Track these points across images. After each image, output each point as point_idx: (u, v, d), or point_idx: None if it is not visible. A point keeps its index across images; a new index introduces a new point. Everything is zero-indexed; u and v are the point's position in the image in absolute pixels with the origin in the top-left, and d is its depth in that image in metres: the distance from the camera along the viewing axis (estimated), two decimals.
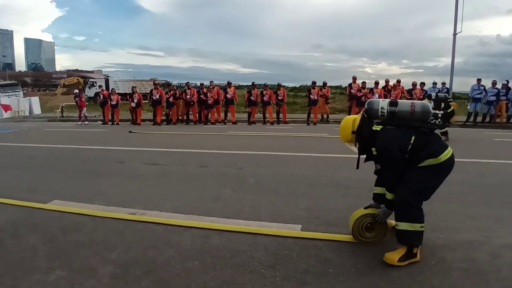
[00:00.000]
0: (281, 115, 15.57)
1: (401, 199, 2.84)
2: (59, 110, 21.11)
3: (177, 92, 15.27)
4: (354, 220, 3.21)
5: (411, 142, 2.84)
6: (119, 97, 16.44)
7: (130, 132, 12.46)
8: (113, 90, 16.39)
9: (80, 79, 55.72)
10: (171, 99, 15.17)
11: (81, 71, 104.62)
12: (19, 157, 7.98)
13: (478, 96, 14.93)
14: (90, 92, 38.02)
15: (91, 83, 38.88)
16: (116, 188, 5.32)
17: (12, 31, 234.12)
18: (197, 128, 13.77)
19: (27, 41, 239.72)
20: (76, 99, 16.85)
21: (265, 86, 15.53)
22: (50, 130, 14.52)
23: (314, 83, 15.33)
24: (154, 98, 15.18)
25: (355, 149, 3.31)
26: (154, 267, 2.88)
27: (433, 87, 15.36)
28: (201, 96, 15.03)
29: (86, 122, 16.80)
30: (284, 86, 15.88)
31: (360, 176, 5.18)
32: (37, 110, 24.59)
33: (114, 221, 3.93)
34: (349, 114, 14.76)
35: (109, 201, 4.59)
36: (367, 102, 3.17)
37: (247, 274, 2.77)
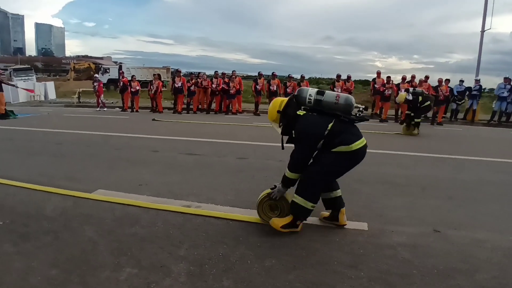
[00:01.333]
0: None
1: (308, 176, 3.14)
2: (76, 95, 20.95)
3: (199, 81, 15.05)
4: (259, 203, 3.47)
5: (328, 128, 3.03)
6: (139, 84, 16.24)
7: (154, 120, 12.27)
8: (134, 77, 16.15)
9: (91, 64, 55.68)
10: (192, 88, 14.97)
11: (91, 57, 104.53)
12: (48, 143, 7.80)
13: (504, 94, 14.52)
14: (103, 79, 37.91)
15: (104, 70, 38.61)
16: (159, 178, 5.13)
17: (23, 16, 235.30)
18: (219, 118, 13.51)
19: (38, 26, 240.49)
20: (95, 84, 16.66)
21: (289, 77, 15.28)
22: (71, 116, 14.34)
23: (338, 76, 15.03)
24: (176, 86, 14.98)
25: (279, 130, 3.43)
26: (231, 265, 2.71)
27: (459, 85, 14.99)
28: (223, 85, 14.82)
29: (105, 109, 16.64)
30: (293, 78, 15.61)
31: (407, 173, 4.96)
32: (52, 95, 24.49)
33: (170, 213, 3.75)
34: (372, 109, 14.77)
35: (156, 192, 4.43)
36: (298, 89, 3.41)
37: (330, 274, 2.63)
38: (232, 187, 4.73)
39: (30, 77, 30.22)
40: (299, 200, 3.15)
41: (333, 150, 3.05)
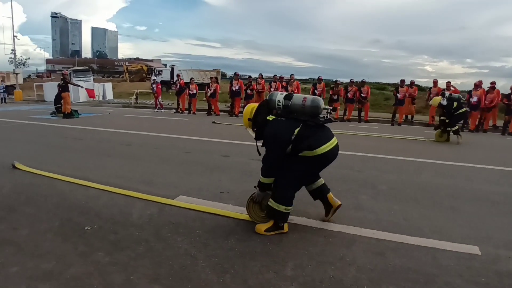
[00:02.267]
0: (362, 113, 14.71)
1: (276, 182, 3.22)
2: (134, 96, 21.48)
3: (253, 85, 14.86)
4: (248, 205, 3.58)
5: (295, 133, 3.05)
6: (197, 86, 16.30)
7: (214, 122, 12.16)
8: (192, 79, 16.27)
9: (144, 66, 57.56)
10: (248, 91, 14.79)
11: (142, 59, 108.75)
12: (117, 144, 7.81)
13: None
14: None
15: (157, 72, 39.65)
16: (239, 185, 4.87)
17: (80, 21, 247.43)
18: None
19: (94, 30, 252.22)
20: (153, 86, 16.91)
21: (350, 82, 14.76)
22: (131, 116, 14.61)
23: (403, 81, 14.27)
24: (234, 89, 14.88)
25: (253, 135, 3.46)
26: None
27: None
28: (281, 89, 14.52)
29: (162, 110, 16.85)
30: (339, 81, 15.08)
31: (504, 190, 4.42)
32: (109, 95, 25.35)
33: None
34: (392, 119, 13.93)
35: (240, 201, 4.15)
36: (269, 94, 3.51)
37: None
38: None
39: (88, 78, 31.54)
40: (273, 204, 3.20)
41: (300, 154, 3.09)
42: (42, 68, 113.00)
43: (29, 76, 74.22)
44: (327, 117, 3.22)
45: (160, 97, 17.18)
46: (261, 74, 15.85)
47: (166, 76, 38.67)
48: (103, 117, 14.34)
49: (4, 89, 25.88)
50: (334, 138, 3.22)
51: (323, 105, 3.17)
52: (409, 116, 15.12)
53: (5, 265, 2.71)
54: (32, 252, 2.92)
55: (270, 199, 3.24)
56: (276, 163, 3.20)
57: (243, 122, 3.62)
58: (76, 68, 49.01)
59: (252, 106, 3.50)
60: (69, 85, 14.11)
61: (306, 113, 3.16)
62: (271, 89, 14.82)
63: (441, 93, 10.65)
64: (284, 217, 3.25)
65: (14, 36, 31.66)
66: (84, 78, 30.53)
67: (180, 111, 16.18)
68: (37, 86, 28.73)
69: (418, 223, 3.70)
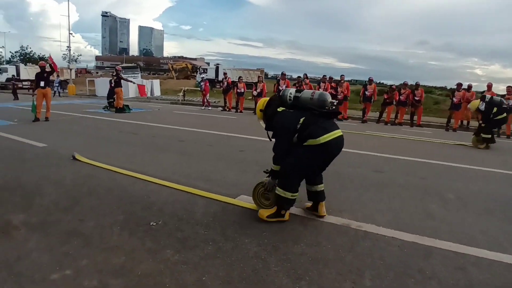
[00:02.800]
0: (414, 117, 14.11)
1: (283, 170, 3.37)
2: (181, 93, 21.83)
3: (303, 84, 14.60)
4: (254, 190, 3.78)
5: (300, 122, 3.25)
6: (245, 85, 16.31)
7: None
8: (240, 78, 16.28)
9: (188, 64, 58.67)
10: None
11: (186, 58, 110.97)
12: (171, 140, 7.89)
13: None
14: (200, 79, 39.63)
15: (202, 70, 40.23)
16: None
17: (129, 20, 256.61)
18: None
19: (141, 28, 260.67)
20: (201, 83, 17.07)
21: (404, 84, 14.22)
22: (180, 113, 14.82)
23: (459, 85, 13.47)
24: (280, 89, 14.68)
25: (263, 126, 3.75)
26: None
27: None
28: (331, 90, 14.21)
29: (209, 108, 16.99)
30: (394, 86, 14.60)
31: None
32: (157, 92, 25.92)
33: (332, 231, 3.38)
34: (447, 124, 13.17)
35: (302, 204, 4.01)
36: (282, 90, 3.74)
37: None
38: (388, 207, 4.18)
39: (136, 75, 32.42)
40: (279, 191, 3.37)
41: (304, 144, 3.24)
42: (92, 64, 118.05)
43: (80, 72, 77.51)
44: (331, 108, 3.42)
45: (208, 95, 17.31)
46: (305, 74, 15.60)
47: (211, 74, 39.18)
48: (153, 113, 14.63)
49: (59, 84, 27.16)
50: (339, 130, 3.34)
51: (329, 99, 3.40)
52: (465, 122, 14.38)
53: (76, 258, 2.71)
54: (100, 246, 2.93)
55: (277, 187, 3.42)
56: (284, 151, 3.39)
57: (257, 114, 3.90)
58: (125, 65, 50.65)
59: (265, 99, 3.78)
60: (121, 80, 14.46)
61: (313, 104, 3.38)
62: (320, 90, 14.56)
63: (481, 96, 9.95)
64: (290, 203, 3.42)
65: (69, 33, 33.19)
66: (133, 75, 31.36)
67: (227, 109, 16.24)
68: (89, 81, 29.93)
69: (496, 237, 3.43)
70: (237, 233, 3.22)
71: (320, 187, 3.66)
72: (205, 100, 17.13)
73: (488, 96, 9.62)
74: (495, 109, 9.00)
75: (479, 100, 9.55)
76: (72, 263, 2.64)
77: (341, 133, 3.35)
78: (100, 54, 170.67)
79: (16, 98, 21.44)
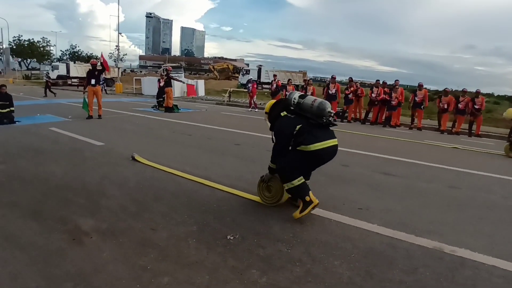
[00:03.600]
0: (473, 127, 13.26)
1: (279, 166, 3.66)
2: (227, 94, 21.79)
3: (359, 89, 14.13)
4: (258, 187, 4.06)
5: (297, 129, 3.53)
6: (294, 88, 15.98)
7: None
8: (290, 80, 15.95)
9: (229, 65, 59.00)
10: (350, 96, 14.08)
11: (226, 59, 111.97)
12: (226, 142, 7.67)
13: None
14: (243, 80, 39.63)
15: (245, 71, 40.21)
16: (376, 202, 4.34)
17: (172, 20, 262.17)
18: (379, 130, 12.34)
19: (183, 29, 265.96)
20: (249, 85, 16.84)
21: (463, 92, 13.41)
22: (228, 114, 14.66)
23: None
24: (330, 92, 14.24)
25: (268, 126, 3.99)
26: None
27: None
28: (384, 95, 13.64)
29: (256, 110, 16.74)
30: (448, 89, 14.00)
31: None
32: (201, 92, 26.00)
33: (426, 255, 3.03)
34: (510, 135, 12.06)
35: (384, 221, 3.71)
36: (289, 93, 3.89)
37: None
38: (479, 228, 3.75)
39: (180, 75, 32.81)
40: (287, 185, 3.58)
41: (297, 148, 3.52)
42: (135, 63, 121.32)
43: (125, 70, 79.90)
44: (329, 120, 3.56)
45: (255, 96, 17.04)
46: (351, 78, 15.09)
47: (253, 75, 39.00)
48: (201, 113, 14.58)
49: (103, 81, 27.76)
50: (333, 139, 3.58)
51: (328, 109, 3.55)
52: None
53: (156, 274, 2.53)
54: (179, 261, 2.72)
55: (284, 185, 3.64)
56: (281, 152, 3.69)
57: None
58: (169, 65, 51.52)
59: (272, 102, 4.08)
60: (171, 80, 14.52)
61: (313, 112, 3.56)
62: (372, 95, 14.02)
63: None
64: (302, 188, 3.54)
65: (118, 33, 34.15)
66: (177, 75, 31.81)
67: None
68: (136, 80, 30.60)
69: None
70: (324, 253, 2.93)
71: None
72: (252, 101, 16.90)
73: None
74: None
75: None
76: (152, 280, 2.45)
77: (335, 143, 3.59)
78: (144, 54, 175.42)
79: (45, 95, 21.91)
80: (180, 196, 4.19)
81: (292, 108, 3.71)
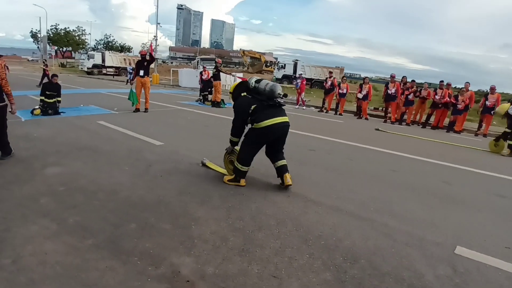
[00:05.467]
0: None
1: (240, 147, 4.30)
2: None
3: (418, 90, 12.85)
4: (224, 159, 4.71)
5: (251, 108, 4.09)
6: (348, 86, 14.83)
7: (377, 129, 10.54)
8: (344, 78, 14.79)
9: (262, 57, 57.87)
10: (410, 96, 12.84)
11: (256, 51, 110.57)
12: (299, 148, 6.65)
13: None
14: (278, 74, 38.46)
15: (281, 65, 39.03)
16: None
17: (202, 13, 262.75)
18: (443, 136, 11.06)
19: (213, 22, 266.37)
20: (298, 81, 15.74)
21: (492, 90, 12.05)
22: None
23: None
24: (389, 92, 13.06)
25: (232, 104, 4.44)
26: None
27: None
28: (448, 99, 12.36)
29: (304, 107, 15.67)
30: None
31: None
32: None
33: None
34: None
35: None
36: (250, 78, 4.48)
37: None
38: None
39: (213, 67, 31.97)
40: (236, 164, 4.25)
41: (252, 127, 4.17)
42: (165, 54, 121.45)
43: (164, 61, 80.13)
44: (278, 101, 4.13)
45: (304, 93, 15.93)
46: (414, 81, 13.73)
47: (289, 70, 37.84)
48: None
49: (132, 71, 27.19)
50: (283, 117, 4.14)
51: (278, 91, 4.11)
52: None
53: None
54: None
55: (236, 161, 4.26)
56: (240, 127, 4.25)
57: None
58: (203, 56, 51.21)
59: (236, 83, 4.57)
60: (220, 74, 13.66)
61: (265, 95, 4.10)
62: (436, 97, 12.74)
63: (511, 99, 9.55)
64: (242, 174, 4.23)
65: (157, 23, 33.70)
66: (210, 67, 31.09)
67: (325, 111, 14.80)
68: (173, 71, 30.04)
69: None
70: None
71: (281, 162, 4.30)
72: (300, 98, 15.81)
73: None
74: None
75: (508, 103, 8.96)
76: None
77: (284, 120, 4.14)
78: (174, 45, 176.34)
79: (39, 85, 16.75)
80: (287, 222, 3.33)
81: (251, 90, 4.24)
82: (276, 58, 73.44)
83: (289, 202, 3.84)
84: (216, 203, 3.66)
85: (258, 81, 4.20)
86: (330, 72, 15.44)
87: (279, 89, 4.12)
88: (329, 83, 14.52)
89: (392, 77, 13.54)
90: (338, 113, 14.33)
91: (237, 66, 75.97)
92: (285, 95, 4.24)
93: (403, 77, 13.79)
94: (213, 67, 14.20)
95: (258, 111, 4.04)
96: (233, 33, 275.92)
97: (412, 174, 5.52)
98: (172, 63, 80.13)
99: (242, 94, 4.26)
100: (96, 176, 4.26)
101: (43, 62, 20.55)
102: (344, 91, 14.24)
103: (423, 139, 9.41)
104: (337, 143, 7.63)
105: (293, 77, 37.07)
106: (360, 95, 13.85)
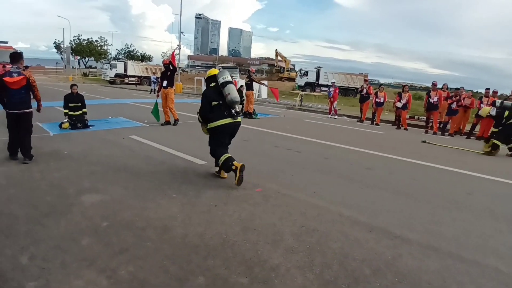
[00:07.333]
0: None
1: (210, 150, 4.86)
2: (298, 98, 20.15)
3: (461, 98, 11.93)
4: (201, 127, 5.12)
5: (214, 103, 4.59)
6: (386, 94, 14.03)
7: (424, 142, 9.72)
8: (382, 86, 13.97)
9: (287, 61, 57.46)
10: (453, 106, 11.96)
11: (272, 59, 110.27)
12: (353, 165, 6.02)
13: None
14: (300, 81, 37.74)
15: (303, 73, 38.34)
16: None
17: (220, 21, 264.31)
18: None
19: (231, 30, 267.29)
20: (331, 89, 15.01)
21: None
22: (312, 122, 12.90)
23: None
24: (432, 101, 12.20)
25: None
26: None
27: None
28: (490, 108, 11.41)
29: (335, 117, 14.91)
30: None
31: None
32: (264, 94, 24.41)
33: None
34: None
35: None
36: (220, 71, 4.81)
37: None
38: None
39: (235, 75, 31.46)
40: (219, 161, 4.60)
41: (209, 127, 4.71)
42: (184, 63, 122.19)
43: (185, 70, 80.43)
44: (234, 112, 4.65)
45: (336, 102, 15.17)
46: (463, 87, 12.79)
47: (311, 77, 37.14)
48: (283, 120, 12.97)
49: (156, 81, 26.81)
50: (232, 119, 4.63)
51: (236, 109, 4.72)
52: None
53: None
54: None
55: (217, 162, 4.71)
56: (204, 112, 4.73)
57: None
58: (225, 64, 50.93)
59: (211, 72, 4.90)
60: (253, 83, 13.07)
61: (227, 100, 4.56)
62: (481, 105, 11.82)
63: (493, 102, 9.96)
64: (224, 165, 4.59)
65: (180, 32, 33.77)
66: (232, 75, 30.59)
67: (360, 121, 14.00)
68: (197, 80, 29.73)
69: None
70: None
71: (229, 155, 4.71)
72: (332, 108, 15.05)
73: (498, 101, 9.65)
74: (506, 113, 8.54)
75: (489, 107, 9.35)
76: None
77: (233, 121, 4.65)
78: (192, 54, 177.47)
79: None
80: (383, 270, 2.64)
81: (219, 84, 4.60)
82: (294, 65, 72.73)
83: (374, 240, 3.17)
84: (290, 244, 3.02)
85: (223, 85, 4.52)
86: (366, 80, 14.66)
87: (237, 107, 4.71)
88: (365, 91, 13.75)
89: (434, 85, 12.66)
90: (374, 123, 13.54)
91: (256, 74, 75.69)
92: (242, 110, 4.31)
93: (443, 84, 12.97)
94: (245, 76, 13.57)
95: (215, 110, 4.58)
96: (250, 41, 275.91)
97: (493, 198, 4.75)
98: (191, 71, 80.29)
99: (212, 85, 4.73)
100: (141, 206, 3.68)
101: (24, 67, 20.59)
102: (382, 100, 13.43)
103: (479, 152, 8.56)
104: (392, 160, 6.86)
105: (315, 84, 36.38)
106: (399, 104, 12.99)
